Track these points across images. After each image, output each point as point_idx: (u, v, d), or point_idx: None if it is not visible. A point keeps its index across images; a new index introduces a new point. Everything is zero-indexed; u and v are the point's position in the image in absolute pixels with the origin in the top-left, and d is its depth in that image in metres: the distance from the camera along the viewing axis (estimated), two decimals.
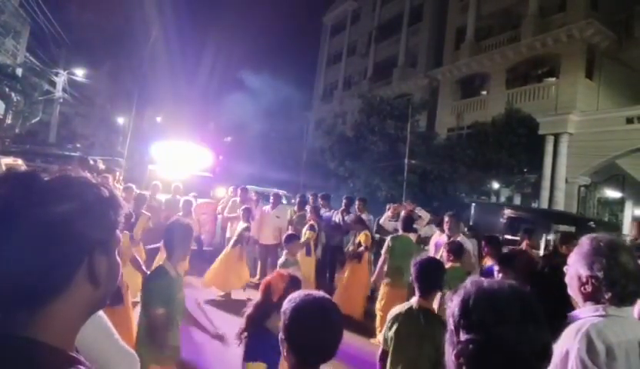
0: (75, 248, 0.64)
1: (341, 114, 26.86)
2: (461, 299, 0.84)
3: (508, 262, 2.91)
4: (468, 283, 0.87)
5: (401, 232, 5.63)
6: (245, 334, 2.11)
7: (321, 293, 1.30)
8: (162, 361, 2.45)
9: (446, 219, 5.23)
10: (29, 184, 0.64)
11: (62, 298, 0.64)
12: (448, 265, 3.98)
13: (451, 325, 0.85)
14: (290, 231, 6.11)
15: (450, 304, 0.88)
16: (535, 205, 14.59)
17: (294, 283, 2.19)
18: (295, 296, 1.26)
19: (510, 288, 0.84)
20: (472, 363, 0.79)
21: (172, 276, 2.51)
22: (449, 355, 0.85)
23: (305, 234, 6.49)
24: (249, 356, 2.05)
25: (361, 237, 6.34)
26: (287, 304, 1.25)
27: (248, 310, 2.18)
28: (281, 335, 1.23)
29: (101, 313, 1.35)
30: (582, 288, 1.42)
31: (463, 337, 0.81)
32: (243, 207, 7.24)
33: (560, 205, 13.14)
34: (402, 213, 6.45)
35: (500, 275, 2.92)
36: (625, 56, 16.20)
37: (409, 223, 5.77)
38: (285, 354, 1.21)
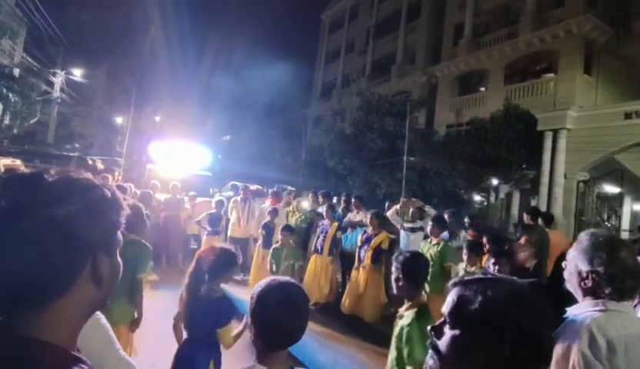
0: (80, 249, 0.65)
1: (340, 111, 26.85)
2: (488, 302, 0.78)
3: (504, 256, 2.93)
4: (493, 282, 0.82)
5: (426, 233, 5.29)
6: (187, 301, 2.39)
7: (287, 278, 1.34)
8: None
9: (446, 218, 5.21)
10: (34, 184, 0.64)
11: (66, 298, 0.64)
12: (467, 266, 3.98)
13: (462, 322, 0.79)
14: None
15: (457, 297, 0.82)
16: (534, 201, 14.62)
17: (225, 255, 2.46)
18: (262, 282, 1.30)
19: (532, 289, 0.80)
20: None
21: None
22: (447, 348, 0.80)
23: (337, 234, 6.49)
24: (216, 324, 2.28)
25: (382, 239, 5.79)
26: (255, 289, 1.29)
27: (185, 280, 2.45)
28: (248, 319, 1.28)
29: (103, 321, 1.34)
30: (582, 283, 1.43)
31: (494, 339, 0.75)
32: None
33: (559, 201, 13.17)
34: (411, 211, 6.32)
35: (495, 268, 2.94)
36: (624, 51, 16.21)
37: (445, 225, 5.14)
38: (253, 338, 1.25)
